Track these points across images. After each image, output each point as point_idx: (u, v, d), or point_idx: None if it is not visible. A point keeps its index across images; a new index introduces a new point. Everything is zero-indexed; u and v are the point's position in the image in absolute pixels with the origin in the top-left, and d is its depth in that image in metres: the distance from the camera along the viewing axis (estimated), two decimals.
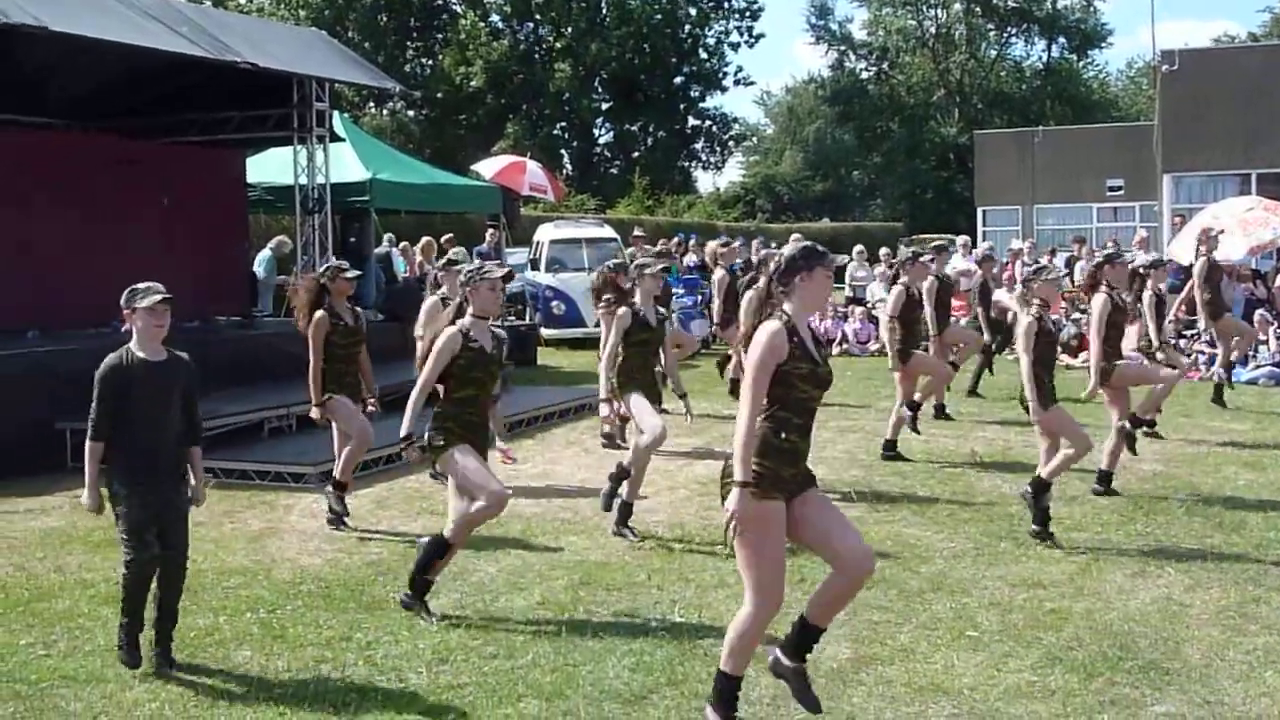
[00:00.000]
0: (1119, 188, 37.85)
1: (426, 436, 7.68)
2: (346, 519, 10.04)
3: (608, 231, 27.27)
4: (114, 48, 13.84)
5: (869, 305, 24.16)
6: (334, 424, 10.12)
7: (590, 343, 22.82)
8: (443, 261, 12.00)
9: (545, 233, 26.37)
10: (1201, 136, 28.99)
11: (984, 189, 41.28)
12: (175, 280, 15.43)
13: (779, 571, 5.69)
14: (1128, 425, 10.94)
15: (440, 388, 7.75)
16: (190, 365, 6.99)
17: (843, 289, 25.55)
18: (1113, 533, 9.42)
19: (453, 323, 7.76)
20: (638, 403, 9.71)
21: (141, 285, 6.89)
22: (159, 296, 6.80)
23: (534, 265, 25.34)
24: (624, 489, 9.73)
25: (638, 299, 9.86)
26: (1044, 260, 13.84)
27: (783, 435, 5.63)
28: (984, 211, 40.74)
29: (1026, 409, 9.55)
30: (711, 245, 19.99)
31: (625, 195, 51.55)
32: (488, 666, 6.85)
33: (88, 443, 6.81)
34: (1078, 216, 38.41)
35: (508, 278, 8.35)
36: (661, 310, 10.40)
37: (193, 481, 7.05)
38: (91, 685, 6.62)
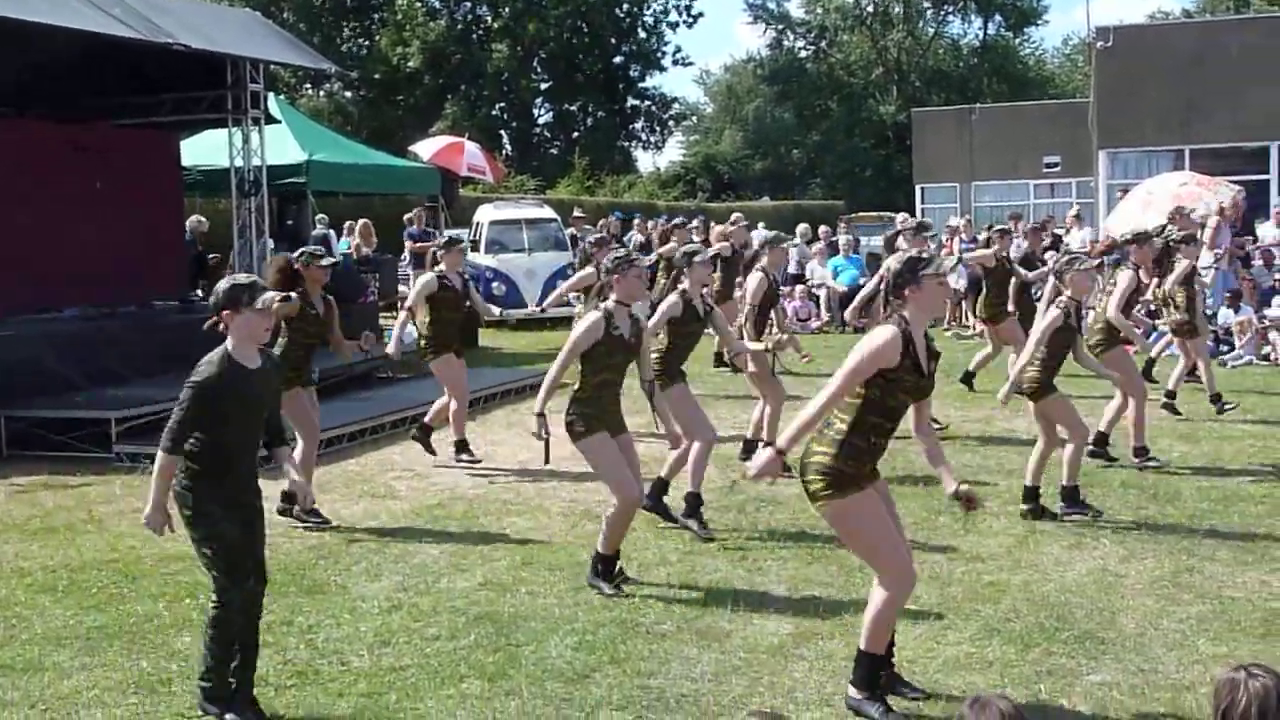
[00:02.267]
0: (1055, 164, 38.18)
1: (566, 421, 7.71)
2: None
3: (547, 212, 27.22)
4: (43, 30, 13.62)
5: (809, 283, 24.24)
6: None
7: (532, 324, 22.83)
8: (444, 240, 11.92)
9: (485, 214, 26.28)
10: (1136, 112, 29.27)
11: (922, 167, 41.54)
12: (111, 264, 15.37)
13: (899, 547, 5.89)
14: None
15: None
16: (280, 364, 6.41)
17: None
18: (1049, 505, 9.51)
19: (598, 307, 7.81)
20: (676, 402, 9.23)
21: (243, 278, 6.01)
22: (274, 295, 5.98)
23: (474, 246, 25.24)
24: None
25: (687, 286, 9.27)
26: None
27: (872, 440, 5.82)
28: (922, 189, 41.00)
29: (1028, 394, 9.39)
30: (720, 227, 20.07)
31: (565, 176, 51.43)
32: (430, 648, 6.85)
33: (161, 455, 5.81)
34: (1015, 193, 38.73)
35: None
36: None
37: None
38: (29, 674, 6.56)
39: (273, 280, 9.54)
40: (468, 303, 11.75)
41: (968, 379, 15.09)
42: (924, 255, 5.93)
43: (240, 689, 5.93)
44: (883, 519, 5.86)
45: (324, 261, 9.73)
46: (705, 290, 9.59)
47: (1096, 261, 10.49)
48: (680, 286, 9.29)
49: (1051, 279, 9.53)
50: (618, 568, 7.93)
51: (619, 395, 7.94)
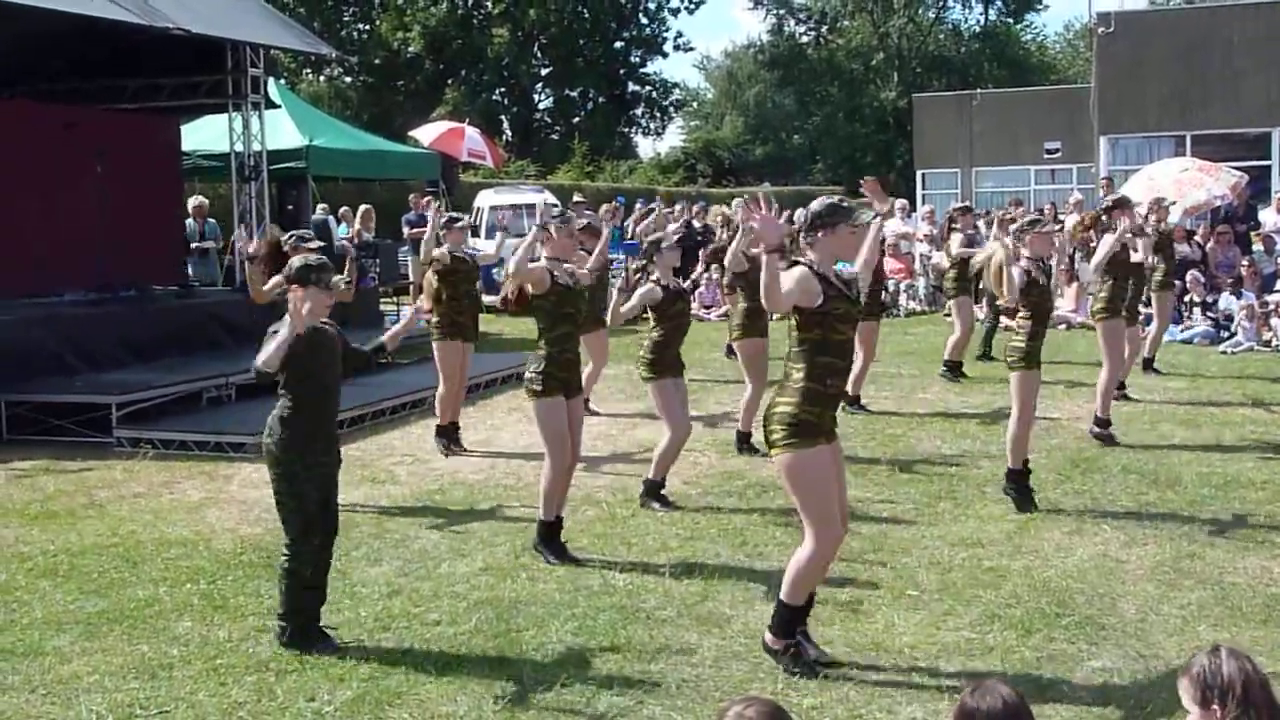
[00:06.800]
0: (1056, 150, 38.11)
1: (526, 378, 8.13)
2: None
3: (548, 197, 27.19)
4: (39, 13, 13.54)
5: None
6: None
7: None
8: (444, 220, 11.84)
9: (485, 199, 26.27)
10: (1137, 98, 29.24)
11: (923, 152, 41.44)
12: (110, 249, 15.34)
13: (833, 505, 6.12)
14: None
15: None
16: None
17: None
18: (1050, 491, 9.50)
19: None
20: (667, 394, 9.41)
21: (314, 259, 6.71)
22: (340, 278, 6.75)
23: (474, 232, 25.20)
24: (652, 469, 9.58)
25: (658, 273, 9.41)
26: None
27: (828, 382, 6.05)
28: (923, 174, 40.91)
29: (1008, 364, 9.30)
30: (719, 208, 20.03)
31: (565, 161, 51.38)
32: (430, 633, 6.84)
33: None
34: (1016, 179, 38.63)
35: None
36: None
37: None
38: (30, 659, 6.56)
39: (259, 252, 9.70)
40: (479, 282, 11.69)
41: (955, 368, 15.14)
42: (845, 203, 6.20)
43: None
44: (829, 483, 6.11)
45: (311, 245, 9.75)
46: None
47: (1059, 226, 10.54)
48: (653, 275, 9.41)
49: (1010, 240, 9.44)
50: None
51: (577, 353, 8.34)
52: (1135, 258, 12.01)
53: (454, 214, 12.59)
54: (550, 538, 8.18)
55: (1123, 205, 11.97)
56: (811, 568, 6.16)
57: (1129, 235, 11.81)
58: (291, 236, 9.97)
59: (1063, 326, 18.59)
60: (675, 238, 10.06)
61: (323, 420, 6.67)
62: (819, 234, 6.06)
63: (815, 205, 6.20)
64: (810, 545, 6.10)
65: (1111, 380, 11.49)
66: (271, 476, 6.66)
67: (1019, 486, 9.20)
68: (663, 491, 9.52)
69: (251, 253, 9.94)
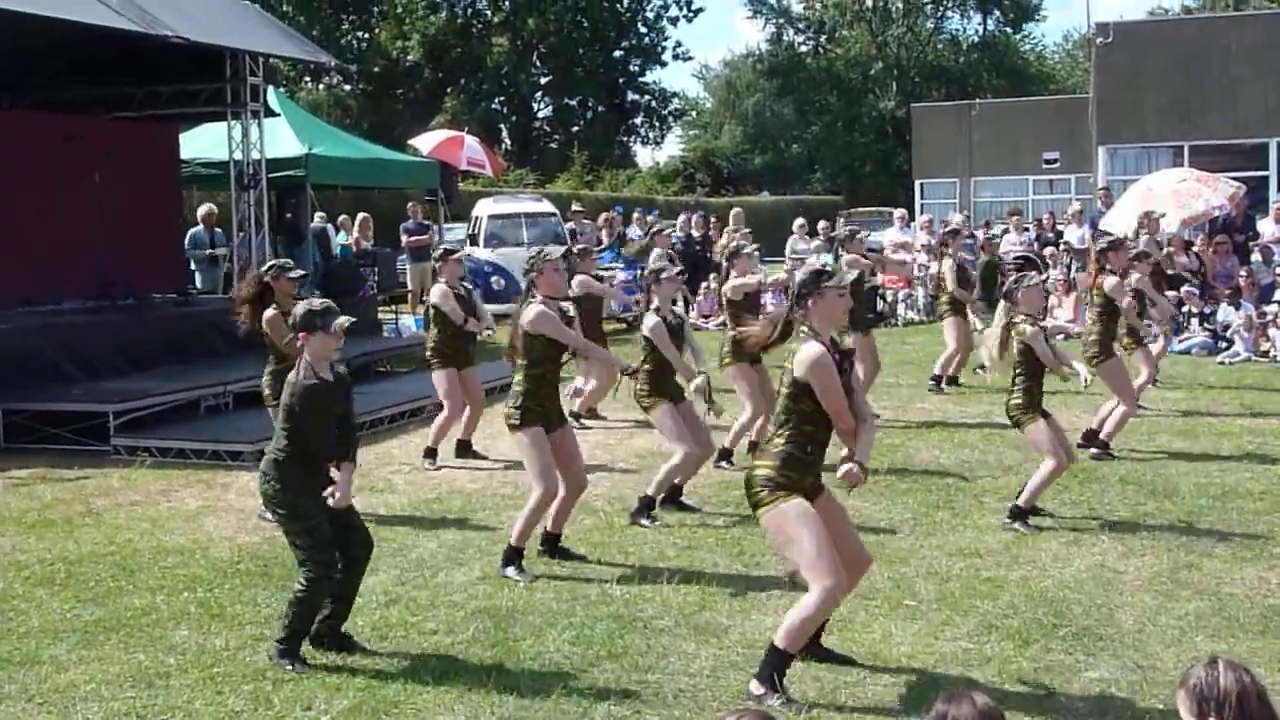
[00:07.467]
0: (1055, 160, 38.16)
1: (504, 414, 8.11)
2: None
3: (547, 206, 27.18)
4: (38, 21, 13.55)
5: None
6: None
7: None
8: (440, 252, 11.89)
9: (484, 208, 26.28)
10: (1136, 108, 29.28)
11: (922, 162, 41.52)
12: (109, 257, 15.33)
13: (829, 552, 5.94)
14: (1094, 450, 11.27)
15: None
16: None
17: (783, 262, 25.56)
18: (1048, 501, 9.49)
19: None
20: (668, 419, 9.40)
21: (318, 304, 6.62)
22: (345, 320, 6.58)
23: (473, 240, 25.21)
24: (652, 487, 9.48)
25: (657, 302, 9.52)
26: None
27: (809, 450, 6.03)
28: (922, 184, 40.97)
29: (1013, 422, 9.21)
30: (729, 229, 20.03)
31: (564, 170, 51.46)
32: (428, 642, 6.84)
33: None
34: (1015, 189, 38.71)
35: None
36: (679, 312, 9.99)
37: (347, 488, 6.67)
38: (26, 667, 6.56)
39: (246, 294, 9.50)
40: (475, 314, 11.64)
41: (952, 380, 15.12)
42: (826, 268, 6.21)
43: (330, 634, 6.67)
44: (817, 528, 5.94)
45: (292, 274, 9.62)
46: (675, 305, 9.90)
47: (1044, 277, 10.36)
48: (653, 304, 9.51)
49: (1002, 304, 9.27)
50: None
51: (556, 387, 8.23)
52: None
53: (449, 245, 12.55)
54: (514, 559, 8.03)
55: (1116, 247, 11.89)
56: (814, 618, 6.00)
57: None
58: (271, 267, 9.77)
59: (1061, 337, 18.56)
60: (676, 270, 10.07)
61: (321, 457, 6.57)
62: (809, 302, 6.04)
63: (799, 276, 6.20)
64: (815, 596, 5.91)
65: (1128, 414, 11.29)
66: (277, 519, 6.62)
67: (1024, 523, 9.02)
68: (681, 499, 9.64)
69: (240, 297, 9.76)
